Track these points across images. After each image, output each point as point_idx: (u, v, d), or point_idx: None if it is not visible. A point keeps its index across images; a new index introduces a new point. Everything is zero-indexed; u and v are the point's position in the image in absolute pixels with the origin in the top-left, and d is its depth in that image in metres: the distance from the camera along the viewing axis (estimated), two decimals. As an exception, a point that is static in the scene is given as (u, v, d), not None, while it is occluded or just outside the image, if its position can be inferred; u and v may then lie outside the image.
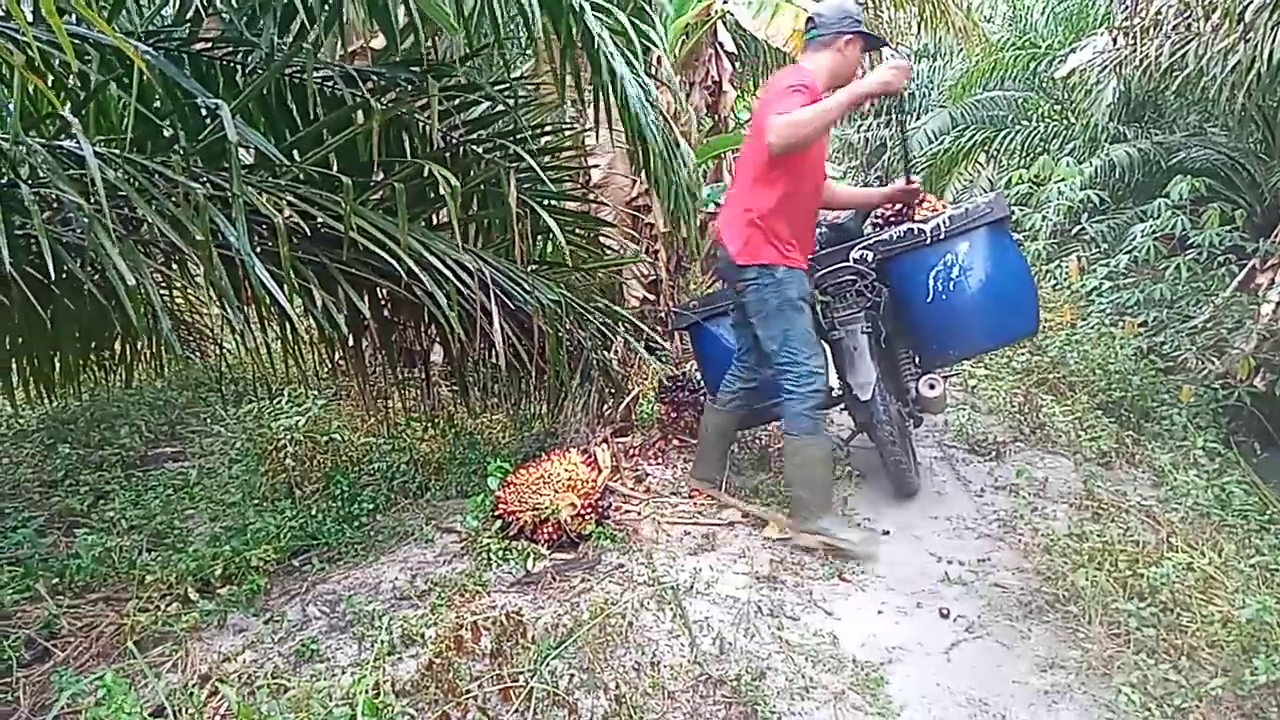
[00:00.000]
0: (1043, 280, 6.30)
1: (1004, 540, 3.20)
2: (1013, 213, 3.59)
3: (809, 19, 3.20)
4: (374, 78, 2.89)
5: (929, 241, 3.36)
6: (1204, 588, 2.69)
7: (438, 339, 3.39)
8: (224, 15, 2.79)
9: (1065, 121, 8.59)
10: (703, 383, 3.96)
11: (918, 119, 10.08)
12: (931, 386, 3.40)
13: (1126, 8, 6.40)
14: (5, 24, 2.20)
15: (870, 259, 3.42)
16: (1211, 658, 2.39)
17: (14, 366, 2.92)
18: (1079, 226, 6.73)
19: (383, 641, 2.40)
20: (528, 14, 2.60)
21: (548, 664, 2.28)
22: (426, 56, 2.94)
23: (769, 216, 3.06)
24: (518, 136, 3.11)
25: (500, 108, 3.17)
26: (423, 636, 2.44)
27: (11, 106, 2.12)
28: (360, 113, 2.77)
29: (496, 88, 3.10)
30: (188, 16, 2.80)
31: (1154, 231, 5.66)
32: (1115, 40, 6.44)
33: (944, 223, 3.34)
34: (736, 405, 3.46)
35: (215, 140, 2.53)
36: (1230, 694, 2.26)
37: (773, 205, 3.06)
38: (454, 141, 3.15)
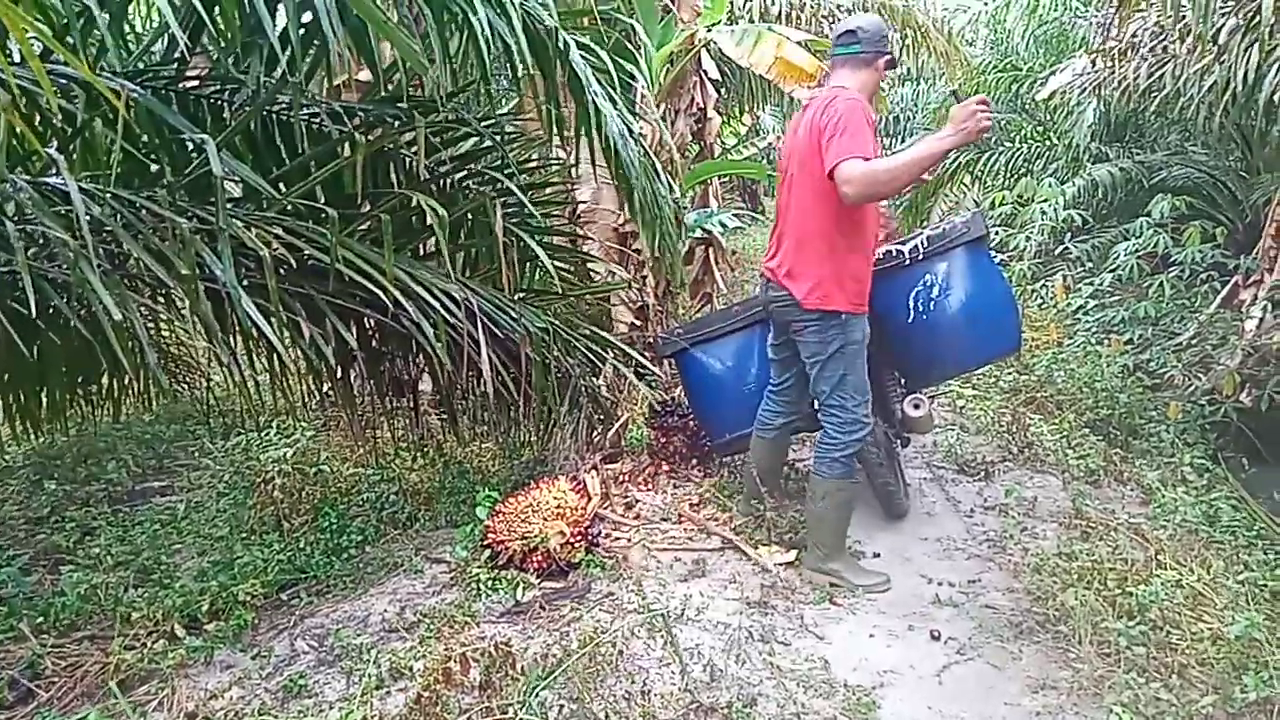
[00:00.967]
0: (1028, 300, 6.35)
1: (994, 561, 3.21)
2: (990, 231, 3.59)
3: (847, 31, 2.95)
4: (360, 113, 2.92)
5: (907, 263, 3.38)
6: (1193, 605, 2.69)
7: (426, 368, 3.40)
8: (211, 54, 2.82)
9: (1048, 142, 8.70)
10: (690, 409, 3.97)
11: (903, 142, 10.18)
12: (916, 406, 3.41)
13: (1104, 31, 6.52)
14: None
15: None
16: (1202, 675, 2.39)
17: (0, 402, 2.91)
18: (1063, 246, 6.79)
19: (371, 675, 2.38)
20: (513, 53, 2.64)
21: (537, 695, 2.27)
22: (412, 93, 2.97)
23: (847, 259, 2.89)
24: (505, 170, 3.14)
25: (487, 143, 3.21)
26: (411, 669, 2.43)
27: (-3, 145, 2.14)
28: (346, 146, 2.80)
29: (483, 123, 3.13)
30: (175, 55, 2.84)
31: (1137, 250, 5.72)
32: (1094, 62, 6.55)
33: (922, 244, 3.36)
34: (780, 434, 3.40)
35: (201, 175, 2.55)
36: (1221, 712, 2.26)
37: (849, 246, 2.89)
38: (441, 174, 3.18)
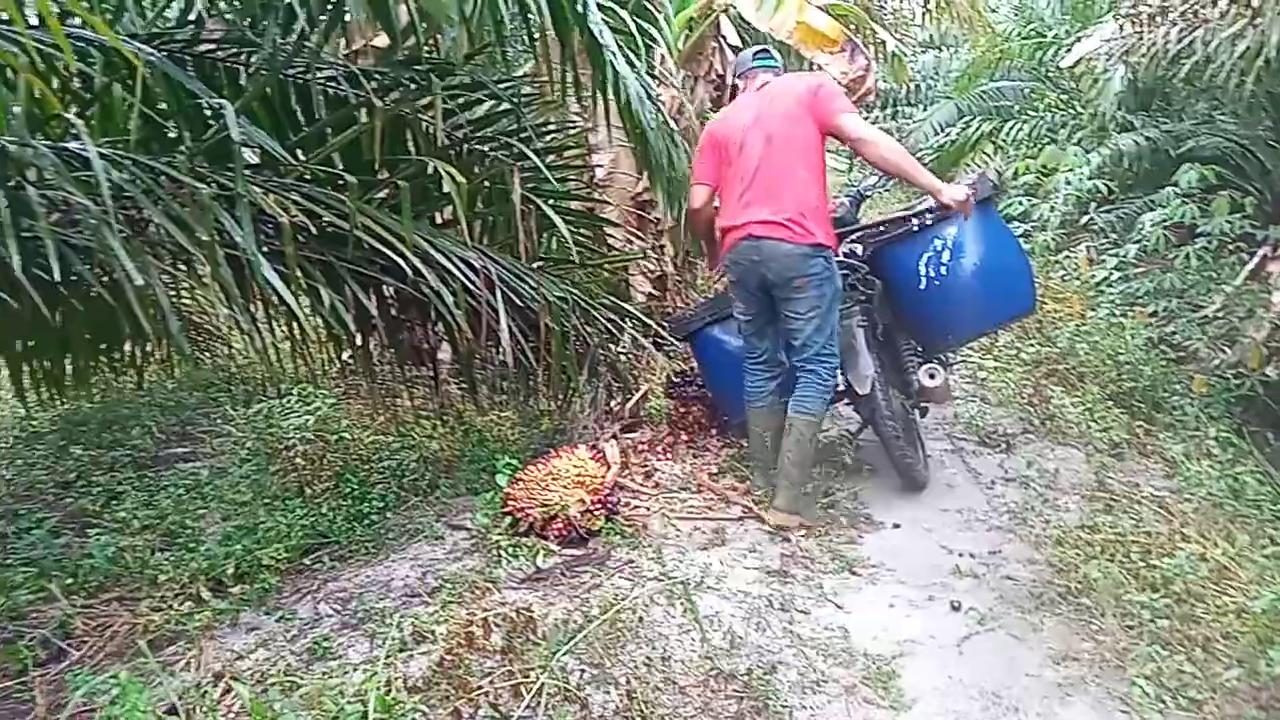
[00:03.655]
0: (1051, 271, 6.26)
1: (1015, 532, 3.19)
2: (998, 187, 3.58)
3: (764, 50, 3.45)
4: (377, 77, 2.89)
5: (917, 228, 3.35)
6: (1218, 579, 2.67)
7: (445, 337, 3.39)
8: (227, 17, 2.79)
9: (1072, 111, 8.52)
10: (709, 391, 3.93)
11: (924, 110, 10.03)
12: (931, 376, 3.39)
13: (1133, -6, 6.35)
14: (9, 28, 2.20)
15: (861, 252, 3.41)
16: (1226, 649, 2.37)
17: (26, 369, 2.94)
18: (1087, 217, 6.68)
19: (394, 639, 2.40)
20: (530, 14, 2.60)
21: (558, 660, 2.28)
22: (429, 56, 2.94)
23: (827, 206, 3.22)
24: (522, 135, 3.11)
25: (504, 106, 3.17)
26: (434, 633, 2.44)
27: (17, 109, 2.13)
28: (364, 112, 2.78)
29: (500, 86, 3.09)
30: (191, 18, 2.81)
31: (1163, 220, 5.61)
32: (1122, 28, 6.38)
33: (930, 208, 3.33)
34: (775, 397, 3.38)
35: (220, 140, 2.53)
36: (1246, 685, 2.24)
37: (825, 196, 3.20)
38: (458, 140, 3.15)
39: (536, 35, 2.71)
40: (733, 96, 3.65)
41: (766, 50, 3.46)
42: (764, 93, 3.27)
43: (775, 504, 3.18)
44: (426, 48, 2.94)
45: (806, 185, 3.11)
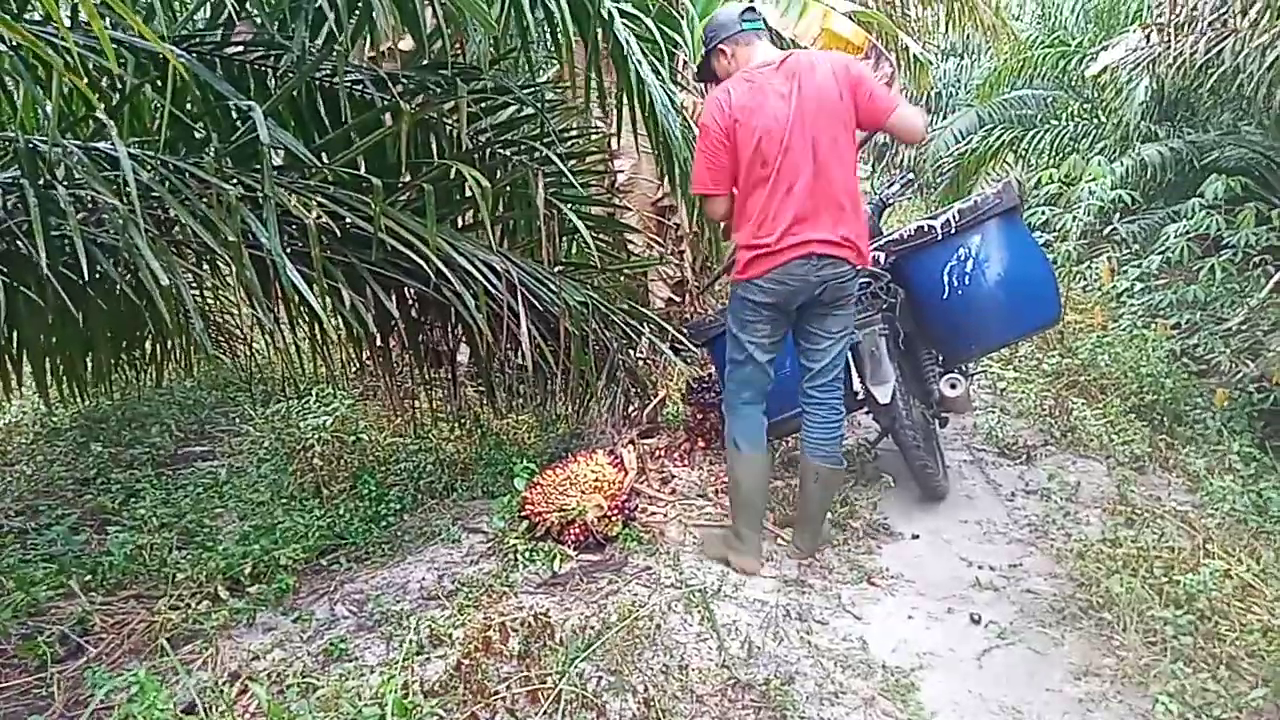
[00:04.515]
0: (1073, 282, 6.22)
1: (1035, 545, 3.15)
2: (1023, 199, 3.53)
3: (750, 8, 2.90)
4: (403, 81, 2.90)
5: (940, 237, 3.33)
6: (1242, 595, 2.63)
7: (464, 339, 3.40)
8: (256, 19, 2.81)
9: (1095, 120, 8.46)
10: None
11: (946, 118, 9.97)
12: (953, 386, 3.36)
13: (1161, 3, 6.30)
14: (43, 28, 2.23)
15: (883, 260, 3.39)
16: (1251, 667, 2.33)
17: (47, 365, 2.96)
18: (1110, 227, 6.62)
19: (411, 641, 2.40)
20: (555, 20, 2.61)
21: (576, 666, 2.27)
22: (454, 60, 2.95)
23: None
24: (545, 139, 3.11)
25: (527, 111, 3.18)
26: (450, 637, 2.44)
27: (49, 109, 2.15)
28: (389, 115, 2.79)
29: (524, 91, 3.10)
30: (220, 21, 2.83)
31: (1187, 232, 5.56)
32: (1149, 37, 6.33)
33: (954, 217, 3.31)
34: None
35: (247, 142, 2.56)
36: (1271, 705, 2.20)
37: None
38: (481, 144, 3.16)
39: (562, 41, 2.71)
40: (707, 65, 2.97)
41: (753, 8, 2.89)
42: (789, 74, 2.72)
43: (799, 545, 3.05)
44: (452, 52, 2.95)
45: (855, 196, 2.82)
